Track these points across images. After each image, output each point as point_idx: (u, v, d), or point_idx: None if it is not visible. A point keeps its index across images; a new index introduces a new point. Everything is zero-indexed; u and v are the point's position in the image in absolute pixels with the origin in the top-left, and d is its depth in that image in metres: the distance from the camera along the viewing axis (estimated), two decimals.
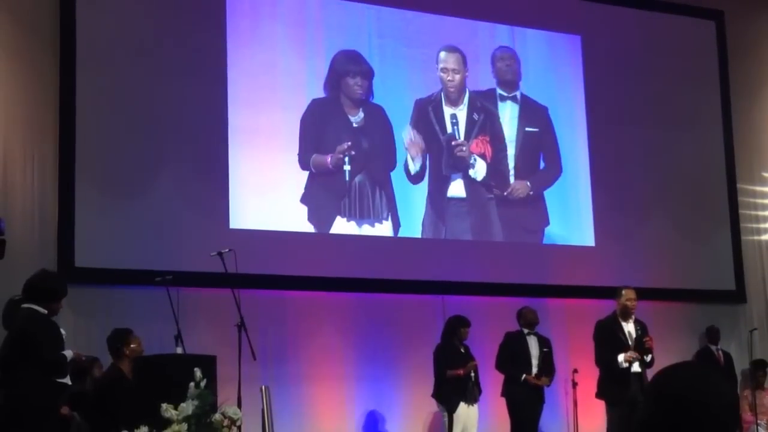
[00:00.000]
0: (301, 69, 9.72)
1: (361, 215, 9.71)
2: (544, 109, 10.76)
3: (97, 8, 8.85)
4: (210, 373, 6.55)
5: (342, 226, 9.62)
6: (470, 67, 10.50)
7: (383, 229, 9.78)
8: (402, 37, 10.24)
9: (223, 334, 7.87)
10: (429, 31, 10.37)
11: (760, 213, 11.90)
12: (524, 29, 10.88)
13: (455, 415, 8.51)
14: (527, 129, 10.65)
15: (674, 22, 11.70)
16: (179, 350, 7.12)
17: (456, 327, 8.79)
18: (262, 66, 9.51)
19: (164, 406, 6.10)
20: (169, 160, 8.94)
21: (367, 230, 9.72)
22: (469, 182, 10.30)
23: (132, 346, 7.17)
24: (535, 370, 8.90)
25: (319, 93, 9.78)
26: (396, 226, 9.86)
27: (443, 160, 10.23)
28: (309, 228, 9.48)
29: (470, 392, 8.67)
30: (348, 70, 9.91)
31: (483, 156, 10.42)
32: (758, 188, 11.91)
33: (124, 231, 8.61)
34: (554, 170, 10.71)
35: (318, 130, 9.66)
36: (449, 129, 10.34)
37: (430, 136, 10.21)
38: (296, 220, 9.45)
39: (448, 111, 10.36)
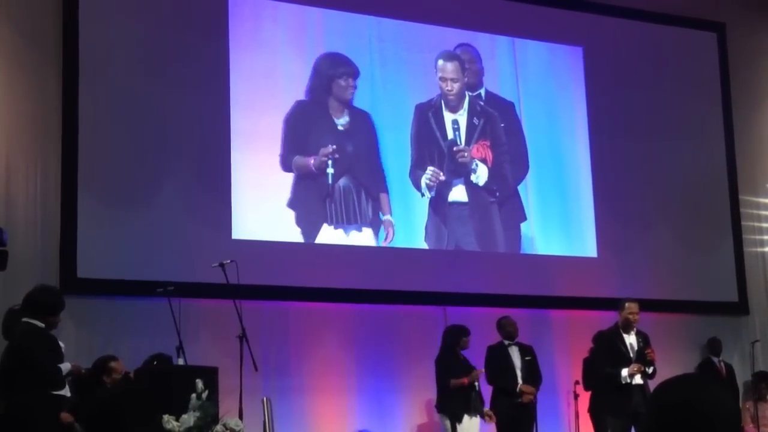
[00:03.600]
0: (304, 74, 9.72)
1: (347, 221, 9.62)
2: (510, 105, 10.72)
3: (100, 18, 8.85)
4: (212, 384, 6.56)
5: (328, 231, 9.52)
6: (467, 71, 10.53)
7: (368, 233, 9.69)
8: (403, 42, 10.25)
9: (224, 345, 7.87)
10: (430, 39, 10.39)
11: (763, 225, 11.88)
12: (526, 41, 10.89)
13: (460, 427, 8.44)
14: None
15: (676, 34, 11.71)
16: (181, 361, 7.13)
17: (458, 336, 8.74)
18: (264, 72, 9.51)
19: (166, 417, 6.11)
20: (171, 171, 8.95)
21: (353, 235, 9.63)
22: (471, 187, 10.31)
23: (113, 376, 7.09)
24: (520, 381, 8.86)
25: (317, 97, 9.78)
26: (377, 230, 9.72)
27: (445, 165, 10.23)
28: (299, 234, 9.44)
29: (473, 403, 8.60)
30: (340, 72, 9.85)
31: (484, 161, 10.43)
32: (761, 200, 11.90)
33: (127, 242, 8.60)
34: (521, 167, 10.66)
35: (302, 131, 9.59)
36: (450, 135, 10.35)
37: (431, 143, 10.22)
38: (296, 229, 9.45)
39: (448, 117, 10.37)
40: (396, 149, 10.04)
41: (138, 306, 8.38)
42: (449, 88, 10.42)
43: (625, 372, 7.92)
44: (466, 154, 10.34)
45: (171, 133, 9.00)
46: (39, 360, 6.05)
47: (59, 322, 6.40)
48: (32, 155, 8.54)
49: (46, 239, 8.45)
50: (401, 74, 10.19)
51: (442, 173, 10.14)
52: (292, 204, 9.42)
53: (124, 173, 8.75)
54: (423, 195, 10.03)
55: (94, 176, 8.62)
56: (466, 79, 10.50)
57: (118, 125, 8.79)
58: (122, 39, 8.93)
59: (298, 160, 9.53)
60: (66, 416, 6.39)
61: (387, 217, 9.81)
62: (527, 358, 8.94)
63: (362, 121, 9.91)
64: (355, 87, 9.90)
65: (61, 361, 6.22)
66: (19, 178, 8.47)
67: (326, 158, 9.62)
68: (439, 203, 10.11)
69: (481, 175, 10.38)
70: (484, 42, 10.68)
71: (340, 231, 9.60)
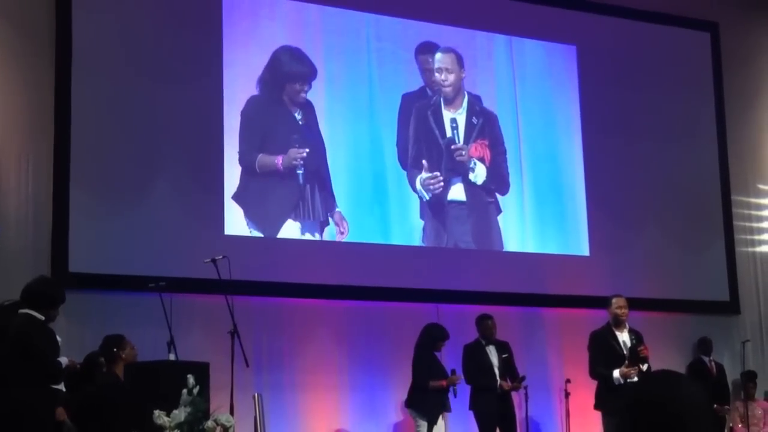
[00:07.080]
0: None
1: (314, 216, 9.50)
2: (494, 117, 10.62)
3: (93, 13, 8.83)
4: (203, 380, 6.54)
5: (292, 229, 9.40)
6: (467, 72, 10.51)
7: (329, 231, 9.55)
8: (400, 40, 10.24)
9: (216, 341, 7.86)
10: (428, 36, 10.37)
11: (755, 224, 11.92)
12: (520, 39, 10.89)
13: (435, 427, 8.47)
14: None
15: (669, 33, 11.73)
16: (172, 357, 7.12)
17: (437, 340, 8.70)
18: (259, 69, 9.50)
19: (156, 412, 6.10)
20: (164, 165, 8.93)
21: (315, 233, 9.51)
22: (469, 186, 10.31)
23: (127, 350, 7.15)
24: (498, 379, 8.86)
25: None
26: (339, 225, 9.61)
27: (443, 164, 10.23)
28: (298, 234, 9.41)
29: (446, 403, 8.63)
30: (295, 73, 9.65)
31: (482, 159, 10.44)
32: (753, 200, 11.93)
33: (118, 236, 8.59)
34: (517, 167, 10.61)
35: (264, 127, 9.43)
36: (449, 133, 10.35)
37: (429, 141, 10.21)
38: (291, 226, 9.44)
39: (447, 115, 10.37)
40: (392, 147, 10.00)
41: (129, 301, 8.37)
42: (444, 78, 10.39)
43: (617, 373, 7.86)
44: (463, 152, 10.34)
45: (164, 128, 8.99)
46: (40, 353, 5.97)
47: (57, 315, 6.36)
48: (24, 149, 8.52)
49: (38, 234, 8.42)
50: (398, 72, 10.17)
51: (440, 176, 10.05)
52: (240, 198, 9.22)
53: (117, 168, 8.73)
54: (422, 198, 9.99)
55: (86, 171, 8.60)
56: (464, 73, 10.48)
57: (110, 120, 8.77)
58: (116, 33, 8.92)
59: (264, 158, 9.34)
60: (60, 412, 6.38)
61: (338, 210, 9.64)
62: (504, 355, 8.95)
63: (311, 113, 9.68)
64: (306, 90, 9.67)
65: (59, 355, 6.19)
66: (10, 172, 8.45)
67: (297, 160, 9.48)
68: (437, 203, 10.11)
69: (479, 174, 10.38)
70: (480, 40, 10.67)
71: (300, 228, 9.44)
